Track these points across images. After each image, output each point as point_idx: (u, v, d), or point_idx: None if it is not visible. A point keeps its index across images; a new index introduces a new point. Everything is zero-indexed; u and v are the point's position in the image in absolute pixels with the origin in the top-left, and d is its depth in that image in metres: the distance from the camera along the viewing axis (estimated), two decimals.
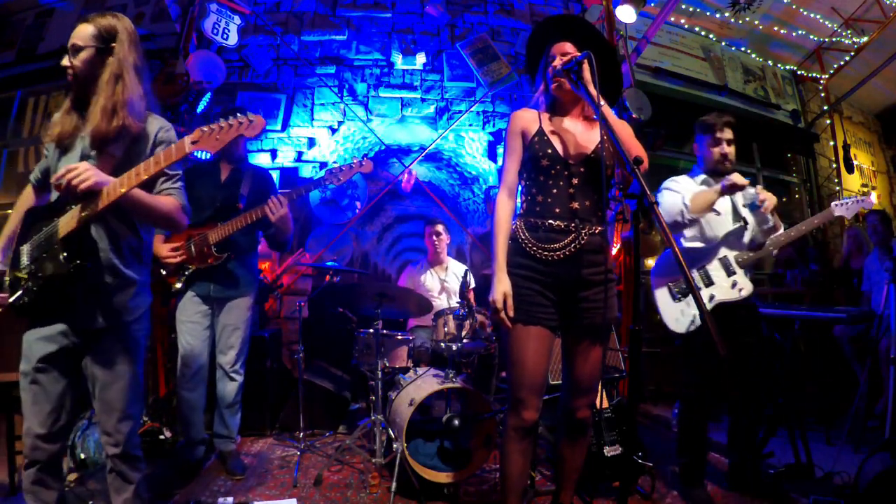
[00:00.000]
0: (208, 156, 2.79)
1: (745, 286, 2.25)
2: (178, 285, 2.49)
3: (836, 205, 2.38)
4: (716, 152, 2.29)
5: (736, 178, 2.11)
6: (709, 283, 2.27)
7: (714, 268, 2.29)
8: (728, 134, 2.30)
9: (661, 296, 2.34)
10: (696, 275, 2.29)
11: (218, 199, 2.56)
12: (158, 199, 1.58)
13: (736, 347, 2.25)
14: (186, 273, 2.49)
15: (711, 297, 2.24)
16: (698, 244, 2.33)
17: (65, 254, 1.47)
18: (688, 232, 2.33)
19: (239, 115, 1.50)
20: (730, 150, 2.30)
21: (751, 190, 2.24)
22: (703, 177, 2.34)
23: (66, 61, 1.56)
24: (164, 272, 2.49)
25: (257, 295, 2.74)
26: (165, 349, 3.27)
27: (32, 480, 1.58)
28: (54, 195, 1.56)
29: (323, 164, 4.10)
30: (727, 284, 2.25)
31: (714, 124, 2.29)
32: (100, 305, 1.55)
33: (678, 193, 2.23)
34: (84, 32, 1.55)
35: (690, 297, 2.26)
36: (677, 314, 2.28)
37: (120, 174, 1.48)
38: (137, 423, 1.67)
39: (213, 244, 2.45)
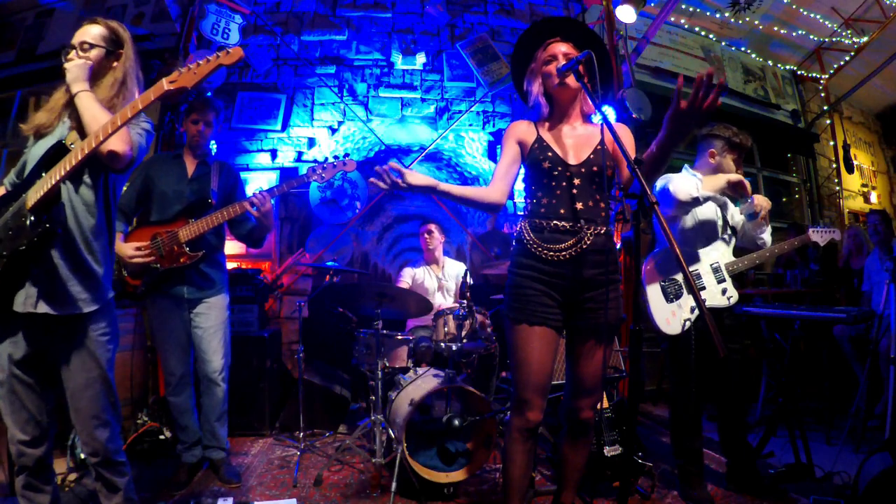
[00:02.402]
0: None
1: (733, 294, 2.29)
2: (141, 287, 2.34)
3: (813, 230, 2.54)
4: (736, 170, 2.33)
5: (745, 182, 2.18)
6: (699, 287, 2.27)
7: (705, 272, 2.30)
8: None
9: (653, 296, 2.30)
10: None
11: (186, 195, 2.44)
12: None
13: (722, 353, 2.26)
14: (153, 274, 2.33)
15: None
16: (688, 248, 2.33)
17: (32, 218, 1.43)
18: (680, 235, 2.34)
19: (220, 49, 1.45)
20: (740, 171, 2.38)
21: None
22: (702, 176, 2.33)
23: (72, 55, 1.55)
24: (125, 273, 2.33)
25: (230, 294, 2.62)
26: None
27: (23, 485, 1.59)
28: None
29: None
30: (717, 291, 2.28)
31: (746, 147, 2.35)
32: (59, 289, 1.50)
33: (692, 177, 2.22)
34: (94, 31, 1.59)
35: (683, 299, 2.27)
36: (668, 315, 2.26)
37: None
38: (116, 429, 1.64)
39: (184, 242, 2.32)
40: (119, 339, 1.69)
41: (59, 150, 1.50)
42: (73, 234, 1.54)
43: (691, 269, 2.29)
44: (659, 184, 2.23)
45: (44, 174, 1.47)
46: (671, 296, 2.28)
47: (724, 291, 2.28)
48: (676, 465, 2.38)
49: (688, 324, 2.22)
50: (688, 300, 2.26)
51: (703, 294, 2.26)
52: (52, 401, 1.62)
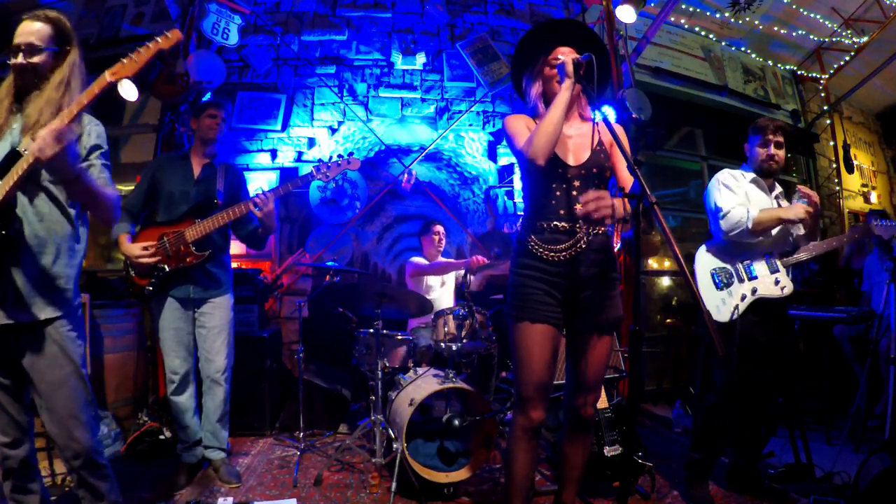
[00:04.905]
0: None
1: (787, 285, 2.27)
2: (150, 288, 2.36)
3: (875, 224, 2.47)
4: (762, 153, 2.35)
5: (806, 211, 2.18)
6: (751, 277, 2.29)
7: (758, 263, 2.30)
8: (778, 137, 2.37)
9: (704, 282, 2.34)
10: (739, 267, 2.31)
11: (193, 195, 2.47)
12: (104, 185, 1.56)
13: (773, 345, 2.27)
14: (161, 274, 2.36)
15: (754, 291, 2.25)
16: (744, 239, 2.33)
17: None
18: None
19: (161, 35, 1.46)
20: (777, 153, 2.35)
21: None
22: (752, 175, 2.38)
23: (20, 59, 1.50)
24: (133, 273, 2.37)
25: (235, 295, 2.63)
26: None
27: (12, 489, 1.57)
28: None
29: None
30: (770, 281, 2.27)
31: (766, 127, 2.35)
32: (27, 296, 1.47)
33: (738, 196, 2.27)
34: (43, 33, 1.53)
35: (734, 287, 2.29)
36: (718, 302, 2.28)
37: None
38: (95, 430, 1.60)
39: (191, 242, 2.35)
40: (86, 338, 1.66)
41: (14, 157, 1.45)
42: (32, 240, 1.49)
43: (744, 258, 2.31)
44: (715, 193, 2.32)
45: None
46: (722, 284, 2.31)
47: (777, 282, 2.27)
48: (689, 458, 2.33)
49: (736, 312, 2.23)
50: (738, 288, 2.28)
51: (756, 283, 2.26)
52: (28, 398, 1.58)
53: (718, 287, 2.31)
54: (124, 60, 1.44)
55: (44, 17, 1.54)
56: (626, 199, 1.41)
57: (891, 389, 2.73)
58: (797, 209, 2.20)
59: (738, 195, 2.29)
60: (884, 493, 1.92)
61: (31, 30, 1.52)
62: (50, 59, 1.54)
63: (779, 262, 2.30)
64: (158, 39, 1.45)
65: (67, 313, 1.56)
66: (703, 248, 2.43)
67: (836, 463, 2.53)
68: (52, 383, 1.51)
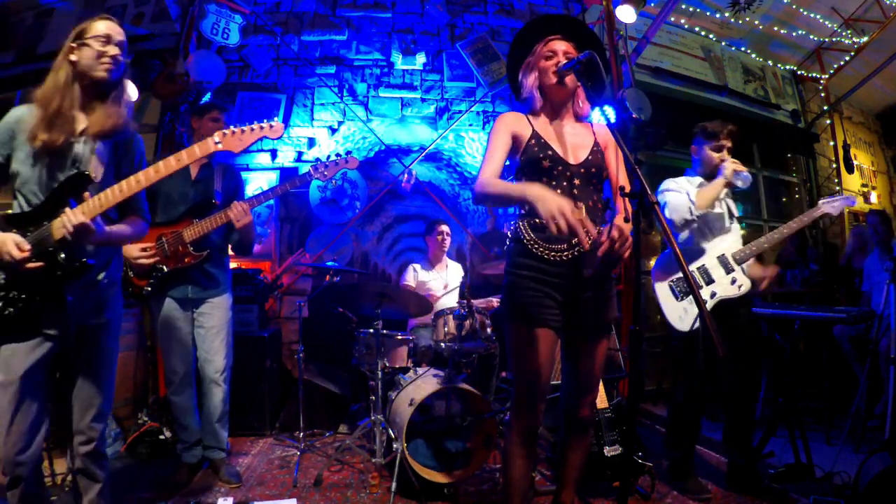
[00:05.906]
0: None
1: (743, 282, 2.30)
2: (148, 288, 2.37)
3: (823, 202, 2.42)
4: (716, 157, 2.34)
5: (733, 164, 2.19)
6: (709, 280, 2.31)
7: (713, 265, 2.33)
8: (729, 143, 2.36)
9: (663, 294, 2.37)
10: (695, 273, 2.33)
11: (191, 196, 2.47)
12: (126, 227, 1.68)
13: (736, 346, 2.29)
14: (159, 275, 2.37)
15: (713, 294, 2.28)
16: (697, 244, 2.36)
17: (62, 256, 1.47)
18: (683, 233, 2.35)
19: (265, 121, 1.63)
20: (728, 158, 2.35)
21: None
22: (699, 179, 2.39)
23: (118, 51, 1.56)
24: (132, 273, 2.37)
25: (234, 294, 2.64)
26: None
27: (20, 499, 1.54)
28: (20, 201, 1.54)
29: None
30: (727, 281, 2.30)
31: (719, 132, 2.35)
32: (95, 304, 1.62)
33: (681, 192, 2.30)
34: (123, 40, 1.59)
35: (692, 296, 2.29)
36: (680, 312, 2.30)
37: (110, 173, 1.58)
38: (107, 422, 1.72)
39: (188, 242, 2.35)
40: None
41: (81, 180, 1.50)
42: (101, 255, 1.63)
43: (698, 263, 2.33)
44: (661, 199, 2.34)
45: (67, 210, 1.47)
46: (681, 294, 2.32)
47: (733, 281, 2.29)
48: (669, 457, 2.43)
49: (698, 321, 2.25)
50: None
51: (714, 287, 2.29)
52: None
53: (678, 297, 2.32)
54: (226, 132, 1.57)
55: (119, 24, 1.60)
56: (626, 199, 1.40)
57: (891, 389, 2.73)
58: (726, 168, 2.23)
59: (681, 194, 2.31)
60: (884, 493, 1.91)
61: (119, 31, 1.58)
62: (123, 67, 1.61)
63: (732, 261, 2.32)
64: (264, 125, 1.61)
65: (121, 310, 1.75)
66: (659, 259, 2.47)
67: (836, 463, 2.53)
68: (93, 372, 1.63)
